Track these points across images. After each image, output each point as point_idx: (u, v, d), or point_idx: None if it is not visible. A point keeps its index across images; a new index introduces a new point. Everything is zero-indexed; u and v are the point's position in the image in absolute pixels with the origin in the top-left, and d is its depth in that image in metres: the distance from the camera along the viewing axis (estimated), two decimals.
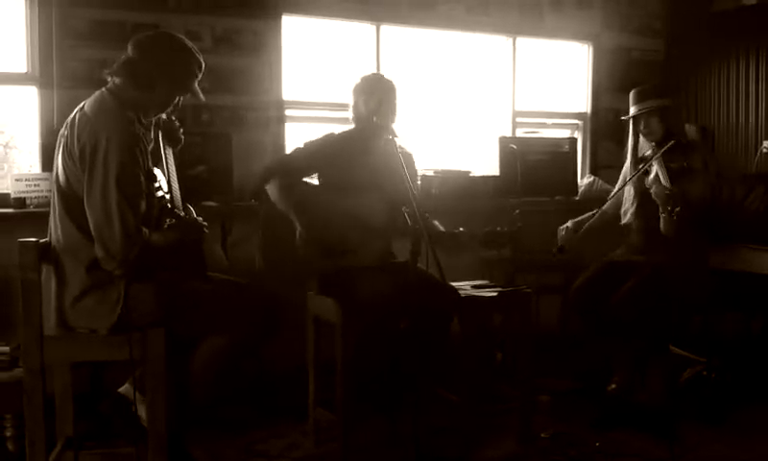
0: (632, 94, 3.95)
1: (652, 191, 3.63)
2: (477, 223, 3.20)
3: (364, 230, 3.27)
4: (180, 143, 3.03)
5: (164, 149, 2.89)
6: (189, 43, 2.79)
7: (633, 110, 3.92)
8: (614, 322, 3.69)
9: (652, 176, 3.71)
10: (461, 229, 3.19)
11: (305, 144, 3.45)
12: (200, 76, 2.81)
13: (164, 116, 2.93)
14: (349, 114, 3.53)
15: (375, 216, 3.27)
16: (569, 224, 3.99)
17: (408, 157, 3.46)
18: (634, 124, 3.95)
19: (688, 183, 3.65)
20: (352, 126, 3.54)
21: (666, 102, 3.86)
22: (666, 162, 3.69)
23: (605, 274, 3.88)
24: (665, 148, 3.72)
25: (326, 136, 3.48)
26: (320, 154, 3.41)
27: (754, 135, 5.14)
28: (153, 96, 2.72)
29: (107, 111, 2.60)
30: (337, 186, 3.35)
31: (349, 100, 3.51)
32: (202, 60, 2.81)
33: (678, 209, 3.47)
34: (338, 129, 3.57)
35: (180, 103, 2.84)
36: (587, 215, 4.00)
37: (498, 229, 3.11)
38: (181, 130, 3.03)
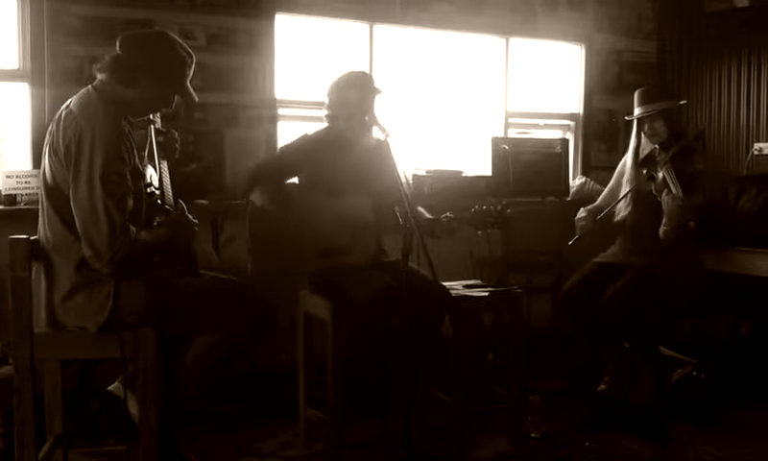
0: (637, 94, 3.92)
1: (663, 201, 3.60)
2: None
3: (353, 229, 3.26)
4: (176, 156, 3.02)
5: (159, 160, 2.88)
6: (179, 42, 2.76)
7: (638, 111, 3.89)
8: (604, 322, 3.69)
9: (659, 181, 3.67)
10: (448, 213, 3.19)
11: (281, 149, 3.45)
12: (190, 75, 2.79)
13: (159, 123, 2.92)
14: (327, 110, 3.42)
15: (363, 215, 3.26)
16: (584, 212, 3.93)
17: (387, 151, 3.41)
18: (638, 124, 3.93)
19: (697, 192, 3.64)
20: (327, 125, 3.46)
21: (672, 104, 3.85)
22: (673, 167, 3.66)
23: (596, 275, 3.89)
24: (672, 153, 3.69)
25: (301, 138, 3.45)
26: (297, 156, 3.38)
27: (745, 137, 5.16)
28: (139, 94, 2.69)
29: (92, 108, 2.58)
30: (318, 187, 3.31)
31: (334, 94, 3.40)
32: (191, 60, 2.78)
33: (692, 223, 3.47)
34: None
35: (175, 103, 2.83)
36: (599, 204, 4.02)
37: (485, 207, 3.11)
38: (178, 144, 3.03)
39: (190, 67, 2.78)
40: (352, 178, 3.33)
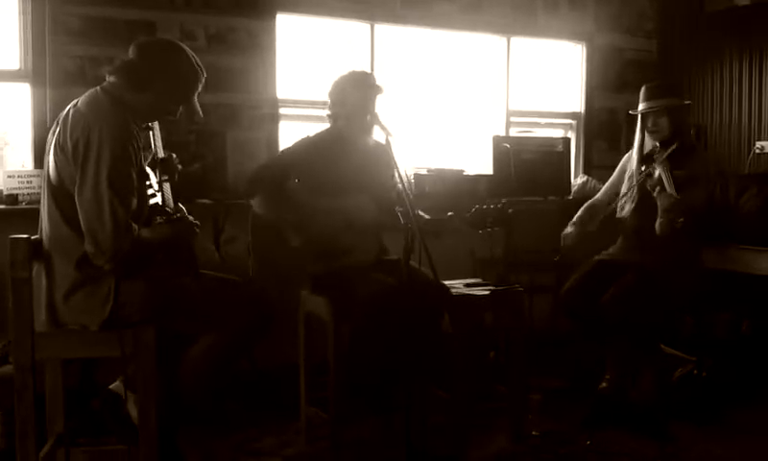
0: (643, 90, 3.90)
1: (656, 197, 3.60)
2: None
3: (355, 229, 3.26)
4: (175, 177, 3.03)
5: (161, 182, 2.88)
6: (193, 56, 2.78)
7: (642, 106, 3.87)
8: (605, 322, 3.69)
9: (655, 178, 3.67)
10: (449, 214, 3.20)
11: (282, 152, 3.46)
12: (199, 90, 2.81)
13: (162, 154, 2.93)
14: (329, 110, 3.43)
15: (364, 214, 3.26)
16: (572, 229, 3.93)
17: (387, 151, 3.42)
18: (642, 120, 3.91)
19: (692, 191, 3.63)
20: (328, 125, 3.47)
21: (677, 101, 3.83)
22: (670, 166, 3.66)
23: (596, 274, 3.87)
24: (669, 152, 3.68)
25: (303, 139, 3.45)
26: (297, 157, 3.38)
27: (746, 135, 5.16)
28: (146, 101, 2.71)
29: (100, 108, 2.60)
30: (320, 187, 3.31)
31: (336, 94, 3.39)
32: (203, 75, 2.80)
33: (681, 220, 3.46)
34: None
35: (179, 114, 2.83)
36: (601, 197, 4.06)
37: (485, 206, 3.12)
38: (179, 167, 3.03)
39: (201, 82, 2.80)
40: (353, 177, 3.33)
